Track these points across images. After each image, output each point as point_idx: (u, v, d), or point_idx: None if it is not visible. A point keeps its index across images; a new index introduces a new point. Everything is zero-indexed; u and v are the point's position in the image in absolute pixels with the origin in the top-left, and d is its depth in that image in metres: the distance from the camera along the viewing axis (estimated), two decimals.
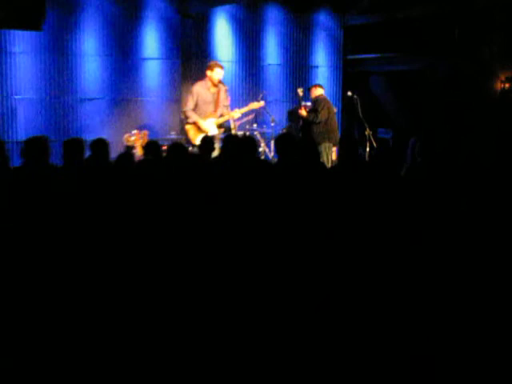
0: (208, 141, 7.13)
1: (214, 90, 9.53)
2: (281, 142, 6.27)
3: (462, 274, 4.04)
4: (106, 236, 4.30)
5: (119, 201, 4.71)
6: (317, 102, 10.24)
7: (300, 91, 10.60)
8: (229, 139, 6.79)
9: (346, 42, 12.44)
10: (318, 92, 10.41)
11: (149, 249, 4.15)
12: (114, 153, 6.21)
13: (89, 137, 6.97)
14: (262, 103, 10.16)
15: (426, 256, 4.20)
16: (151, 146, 6.44)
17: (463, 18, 11.07)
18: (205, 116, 9.48)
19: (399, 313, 3.82)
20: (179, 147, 6.05)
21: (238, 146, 6.22)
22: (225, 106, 9.71)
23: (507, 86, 11.51)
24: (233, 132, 9.38)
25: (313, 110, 10.21)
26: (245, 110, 10.03)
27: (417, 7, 10.98)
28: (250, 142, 6.27)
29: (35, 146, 5.53)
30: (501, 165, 6.12)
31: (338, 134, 10.28)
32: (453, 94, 11.64)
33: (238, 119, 10.13)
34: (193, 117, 9.48)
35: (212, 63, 9.77)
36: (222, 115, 9.64)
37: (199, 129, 9.43)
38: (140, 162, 5.66)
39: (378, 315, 3.80)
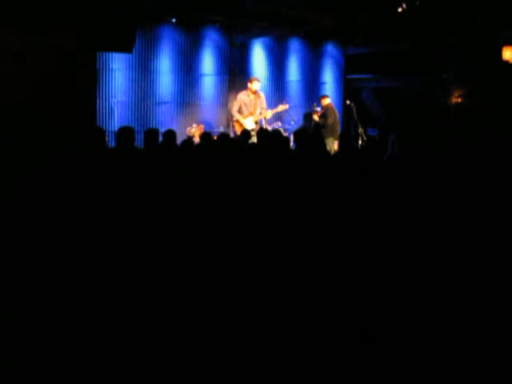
0: (246, 132, 7.09)
1: (252, 96, 9.61)
2: (298, 135, 6.21)
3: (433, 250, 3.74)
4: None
5: (181, 174, 4.66)
6: (326, 109, 10.24)
7: (314, 105, 10.61)
8: (261, 131, 6.77)
9: (346, 65, 12.30)
10: (326, 101, 10.39)
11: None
12: (179, 140, 6.16)
13: (163, 129, 6.94)
14: (287, 106, 10.16)
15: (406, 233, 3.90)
16: (206, 135, 6.40)
17: (427, 50, 10.92)
18: (246, 115, 9.52)
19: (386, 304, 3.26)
20: (225, 136, 6.02)
21: (267, 136, 6.19)
22: (262, 108, 9.78)
23: (459, 100, 11.33)
24: (264, 127, 9.32)
25: (322, 116, 10.21)
26: (275, 111, 10.03)
27: (395, 42, 10.85)
28: (277, 134, 6.24)
29: (125, 133, 5.50)
30: (454, 156, 6.06)
31: (338, 131, 10.19)
32: (420, 104, 11.53)
33: (269, 121, 10.16)
34: (236, 115, 9.57)
35: (252, 78, 9.88)
36: (261, 113, 9.67)
37: (241, 124, 9.43)
38: (197, 145, 5.64)
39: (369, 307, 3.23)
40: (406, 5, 7.50)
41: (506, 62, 9.10)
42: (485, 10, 7.76)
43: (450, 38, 9.86)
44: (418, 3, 7.42)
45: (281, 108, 10.07)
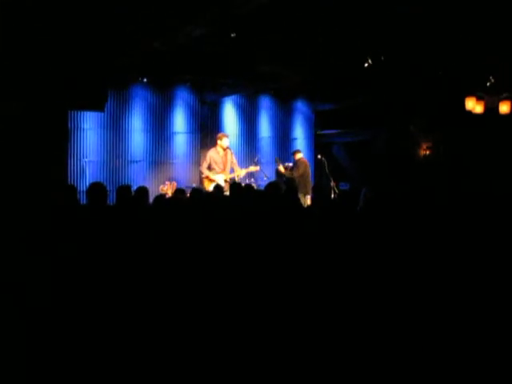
0: (219, 187, 7.11)
1: (222, 153, 9.69)
2: (270, 187, 6.22)
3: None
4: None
5: (154, 228, 4.62)
6: (296, 163, 10.34)
7: (276, 159, 10.86)
8: (234, 184, 6.79)
9: (316, 121, 12.52)
10: (298, 155, 10.55)
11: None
12: (152, 198, 6.13)
13: (135, 188, 6.92)
14: (258, 168, 10.23)
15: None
16: (178, 191, 6.41)
17: (394, 104, 11.21)
18: (216, 172, 9.58)
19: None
20: (198, 190, 6.01)
21: (240, 189, 6.20)
22: (233, 163, 9.86)
23: (428, 152, 11.58)
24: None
25: (291, 169, 10.36)
26: (247, 170, 10.12)
27: (363, 97, 11.13)
28: (249, 188, 6.25)
29: (97, 189, 5.45)
30: (423, 206, 6.15)
31: (310, 186, 10.28)
32: (390, 157, 11.74)
33: (241, 178, 10.23)
34: (205, 172, 9.71)
35: (220, 134, 10.03)
36: (233, 170, 9.78)
37: (211, 181, 9.56)
38: (170, 198, 5.62)
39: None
40: (372, 60, 7.74)
41: (469, 112, 9.39)
42: (447, 62, 8.05)
43: (415, 91, 10.16)
44: (382, 58, 7.67)
45: (252, 169, 10.19)
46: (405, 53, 7.77)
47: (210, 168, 9.68)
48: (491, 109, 9.45)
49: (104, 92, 8.05)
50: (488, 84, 8.71)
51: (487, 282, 3.70)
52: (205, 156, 9.99)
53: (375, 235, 4.55)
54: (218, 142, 9.76)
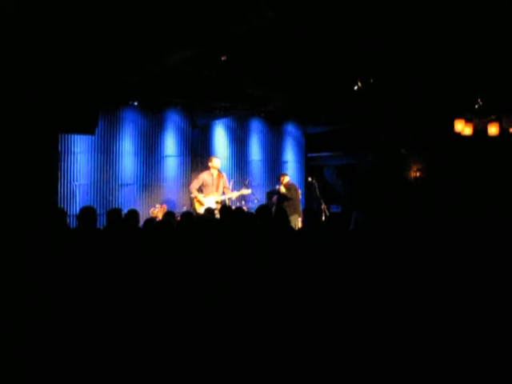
0: (210, 210, 7.11)
1: (215, 176, 9.74)
2: (260, 210, 6.22)
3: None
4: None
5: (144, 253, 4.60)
6: (287, 186, 10.32)
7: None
8: (224, 208, 6.80)
9: (307, 144, 12.58)
10: (285, 179, 10.51)
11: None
12: (143, 221, 6.11)
13: (126, 211, 6.90)
14: (249, 191, 10.22)
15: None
16: (168, 214, 6.39)
17: (385, 127, 11.29)
18: (207, 194, 9.67)
19: None
20: (189, 214, 6.00)
21: (231, 212, 6.21)
22: (226, 187, 9.93)
23: (418, 174, 11.64)
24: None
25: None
26: (239, 193, 10.13)
27: (353, 120, 11.20)
28: (240, 211, 6.25)
29: (87, 213, 5.44)
30: (415, 227, 6.17)
31: (300, 208, 10.28)
32: (379, 179, 11.79)
33: (232, 201, 10.31)
34: (194, 192, 9.76)
35: (211, 157, 10.14)
36: (224, 193, 9.83)
37: (199, 202, 9.64)
38: (160, 221, 5.61)
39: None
40: (361, 83, 7.82)
41: (458, 134, 9.48)
42: (435, 85, 8.14)
43: (405, 114, 10.24)
44: (371, 81, 7.75)
45: (244, 192, 10.21)
46: (394, 75, 7.85)
47: (201, 190, 9.74)
48: (480, 131, 9.55)
49: (95, 115, 8.05)
50: (476, 106, 8.80)
51: (480, 307, 3.71)
52: (196, 176, 10.03)
53: (366, 257, 4.55)
54: (210, 164, 9.88)
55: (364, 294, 3.91)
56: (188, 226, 5.34)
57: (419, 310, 3.65)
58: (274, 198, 10.67)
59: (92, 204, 9.28)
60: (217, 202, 9.68)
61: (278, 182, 10.71)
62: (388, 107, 9.94)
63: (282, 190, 10.36)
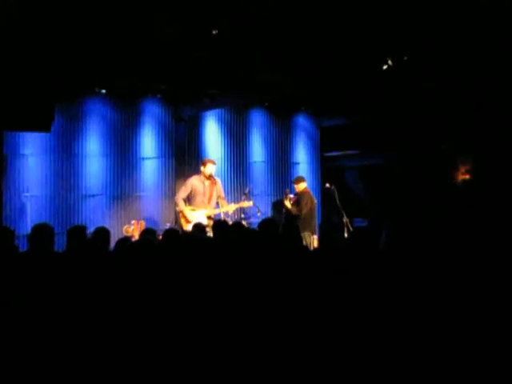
0: (200, 226, 7.03)
1: (207, 183, 9.74)
2: (264, 225, 6.15)
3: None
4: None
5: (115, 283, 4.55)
6: (301, 196, 10.29)
7: (287, 191, 10.77)
8: (218, 223, 6.73)
9: (323, 140, 12.58)
10: (302, 186, 10.47)
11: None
12: (114, 241, 6.06)
13: (92, 228, 6.85)
14: (251, 203, 10.15)
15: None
16: (147, 232, 6.31)
17: (423, 119, 11.21)
18: (198, 207, 9.60)
19: None
20: (173, 231, 5.94)
21: (227, 229, 6.14)
22: (221, 197, 9.88)
23: (467, 176, 11.58)
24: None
25: (296, 203, 10.28)
26: (237, 206, 10.11)
27: (381, 110, 11.13)
28: (238, 227, 6.19)
29: (41, 232, 5.38)
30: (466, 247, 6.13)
31: (316, 224, 10.23)
32: (417, 183, 11.71)
33: (229, 214, 10.26)
34: (181, 205, 9.71)
35: (205, 160, 10.09)
36: (219, 205, 9.78)
37: (186, 218, 9.61)
38: (136, 242, 5.54)
39: None
40: (392, 61, 7.73)
41: None
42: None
43: (447, 102, 10.16)
44: (406, 58, 7.66)
45: (244, 205, 10.14)
46: (435, 50, 7.74)
47: (189, 200, 9.64)
48: None
49: (49, 108, 7.99)
50: None
51: None
52: (183, 184, 9.97)
53: (401, 287, 4.46)
54: (202, 168, 9.78)
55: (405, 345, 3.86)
56: (173, 247, 5.25)
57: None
58: (284, 210, 10.60)
59: (48, 221, 9.23)
60: (209, 218, 9.58)
61: (293, 188, 10.67)
62: (426, 93, 9.85)
63: (287, 204, 10.29)
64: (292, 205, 10.37)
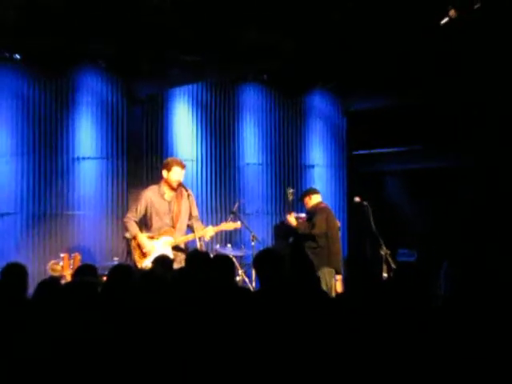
0: (164, 260, 7.08)
1: (170, 196, 9.43)
2: (261, 260, 6.21)
3: None
4: None
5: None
6: (314, 212, 10.23)
7: (290, 193, 10.71)
8: (194, 255, 6.78)
9: (351, 132, 12.63)
10: (315, 200, 10.43)
11: None
12: (34, 286, 6.05)
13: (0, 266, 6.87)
14: (238, 224, 10.03)
15: None
16: (84, 270, 6.36)
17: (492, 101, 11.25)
18: (159, 233, 9.39)
19: None
20: (123, 268, 6.00)
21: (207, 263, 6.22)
22: (194, 217, 9.60)
23: None
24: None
25: (308, 220, 10.24)
26: (217, 230, 9.90)
27: (437, 89, 11.14)
28: (223, 261, 6.26)
29: None
30: None
31: (340, 258, 10.25)
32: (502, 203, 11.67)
33: (207, 243, 10.04)
34: (132, 230, 9.36)
35: (169, 160, 9.70)
36: (190, 230, 9.57)
37: (141, 248, 9.28)
38: (68, 285, 5.60)
39: None
40: (457, 11, 7.78)
41: None
42: None
43: None
44: (477, 7, 7.69)
45: (228, 227, 10.05)
46: None
47: (146, 224, 9.47)
48: None
49: None
50: None
51: None
52: (137, 198, 9.69)
53: (467, 351, 4.56)
54: (165, 173, 9.51)
55: None
56: (124, 292, 5.32)
57: None
58: (291, 238, 10.62)
59: None
60: (175, 249, 9.42)
61: (301, 203, 10.68)
62: (499, 65, 9.93)
63: (291, 221, 10.23)
64: (299, 222, 10.30)
